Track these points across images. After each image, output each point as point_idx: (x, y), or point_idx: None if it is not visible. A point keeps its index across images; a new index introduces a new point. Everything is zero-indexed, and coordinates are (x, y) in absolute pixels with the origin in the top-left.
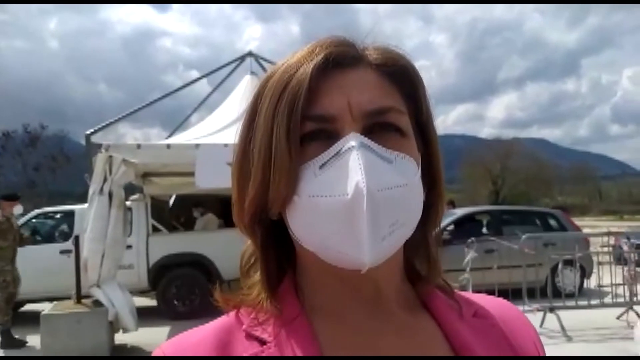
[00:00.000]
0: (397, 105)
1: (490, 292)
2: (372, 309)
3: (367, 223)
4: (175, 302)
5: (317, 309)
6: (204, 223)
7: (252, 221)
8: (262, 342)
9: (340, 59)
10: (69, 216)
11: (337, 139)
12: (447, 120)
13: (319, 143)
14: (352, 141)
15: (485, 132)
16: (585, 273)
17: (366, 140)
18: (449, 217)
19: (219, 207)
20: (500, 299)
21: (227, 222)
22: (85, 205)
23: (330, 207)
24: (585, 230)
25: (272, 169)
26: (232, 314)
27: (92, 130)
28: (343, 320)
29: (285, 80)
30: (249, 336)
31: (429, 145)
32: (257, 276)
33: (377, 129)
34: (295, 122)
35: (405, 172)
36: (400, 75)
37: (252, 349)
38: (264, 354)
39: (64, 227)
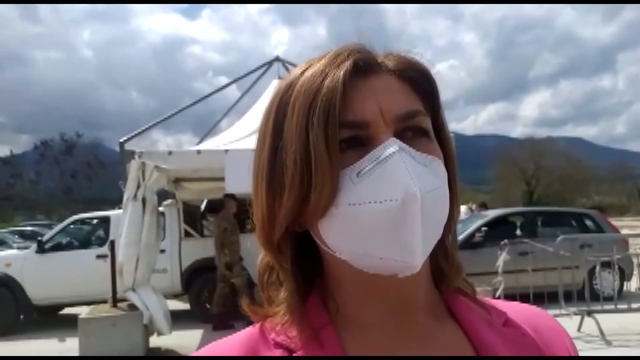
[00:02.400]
0: (422, 109)
1: (525, 296)
2: (399, 316)
3: (421, 226)
4: (208, 306)
5: (344, 319)
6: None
7: (284, 237)
8: (290, 351)
9: (366, 65)
10: (105, 222)
11: (370, 145)
12: (477, 120)
13: (354, 150)
14: (393, 146)
15: (518, 131)
16: (624, 275)
17: (404, 145)
18: (481, 219)
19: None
20: (533, 307)
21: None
22: (121, 211)
23: (375, 213)
24: (624, 231)
25: (313, 178)
26: (259, 323)
27: (125, 137)
28: (369, 329)
29: (315, 88)
30: (277, 345)
31: (444, 147)
32: (282, 294)
33: (407, 133)
34: (333, 128)
35: (438, 174)
36: (418, 80)
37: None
38: None
39: (100, 232)
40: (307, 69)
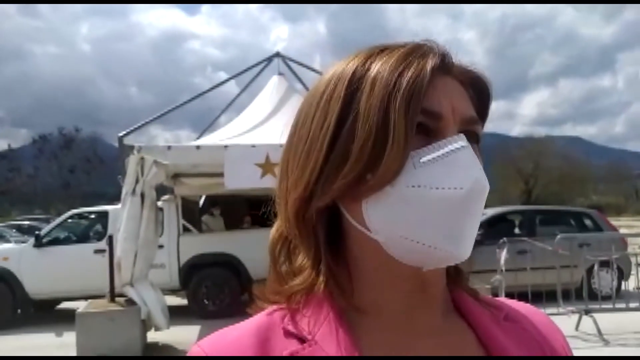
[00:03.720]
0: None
1: (523, 294)
2: (415, 309)
3: (477, 219)
4: (206, 301)
5: (360, 306)
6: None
7: (319, 211)
8: (302, 340)
9: (446, 64)
10: (103, 216)
11: (436, 137)
12: None
13: (420, 137)
14: (464, 140)
15: (517, 130)
16: (622, 274)
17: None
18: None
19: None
20: (526, 304)
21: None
22: (119, 206)
23: (436, 199)
24: (622, 231)
25: (386, 153)
26: (269, 311)
27: (124, 132)
28: (384, 319)
29: (400, 70)
30: (288, 334)
31: None
32: (300, 260)
33: (465, 135)
34: (415, 111)
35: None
36: (478, 92)
37: (291, 347)
38: (304, 352)
39: (98, 227)
40: (381, 51)
